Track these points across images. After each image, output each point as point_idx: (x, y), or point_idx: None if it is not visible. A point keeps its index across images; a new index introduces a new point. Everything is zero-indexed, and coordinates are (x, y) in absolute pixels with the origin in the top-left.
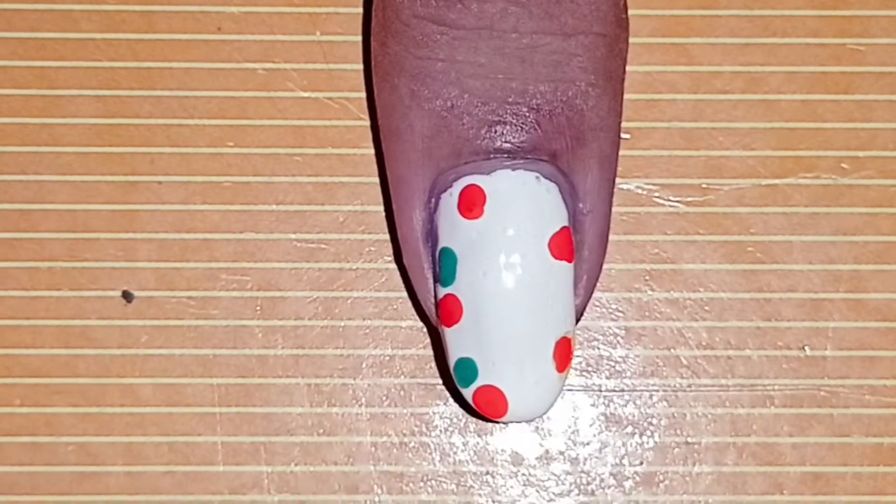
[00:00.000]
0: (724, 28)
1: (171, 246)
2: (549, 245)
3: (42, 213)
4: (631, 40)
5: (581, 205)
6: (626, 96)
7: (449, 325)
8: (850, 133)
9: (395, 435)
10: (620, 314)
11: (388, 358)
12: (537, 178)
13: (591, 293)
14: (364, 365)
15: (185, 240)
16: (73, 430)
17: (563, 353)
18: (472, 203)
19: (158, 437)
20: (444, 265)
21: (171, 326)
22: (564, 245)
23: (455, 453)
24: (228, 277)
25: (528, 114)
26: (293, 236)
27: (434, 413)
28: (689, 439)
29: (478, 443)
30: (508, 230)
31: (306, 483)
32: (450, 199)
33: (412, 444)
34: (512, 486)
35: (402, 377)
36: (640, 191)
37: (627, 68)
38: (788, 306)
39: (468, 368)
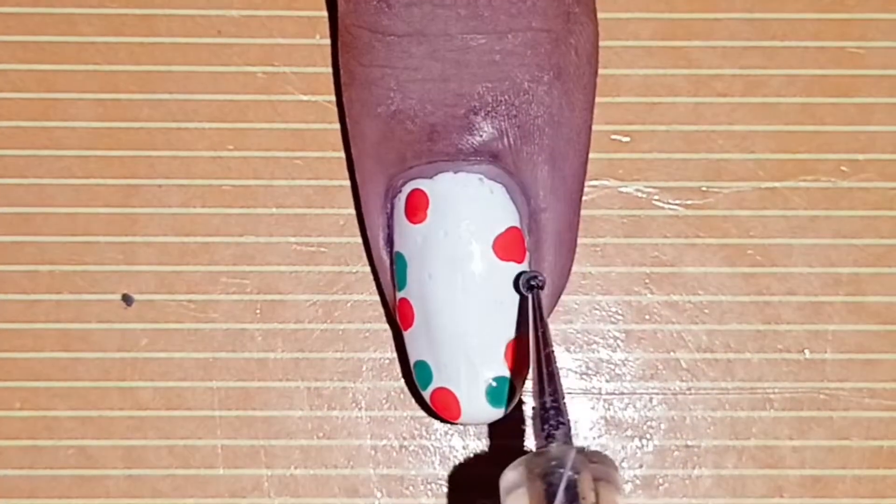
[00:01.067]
0: (723, 31)
1: (171, 249)
2: (494, 246)
3: (42, 217)
4: (631, 43)
5: (533, 203)
6: (625, 99)
7: (405, 329)
8: (849, 136)
9: (395, 438)
10: (620, 317)
11: (387, 361)
12: (480, 179)
13: (558, 295)
14: (364, 368)
15: (185, 243)
16: (73, 433)
17: (516, 355)
18: (416, 208)
19: (158, 440)
20: (398, 270)
21: (171, 330)
22: (512, 246)
23: (455, 456)
24: (228, 281)
25: (466, 115)
26: (293, 239)
27: (433, 416)
28: (689, 442)
29: (477, 446)
30: (451, 233)
31: (306, 486)
32: (399, 203)
33: (412, 447)
34: None
35: (402, 380)
36: (639, 194)
37: (626, 70)
38: (788, 309)
39: (424, 371)
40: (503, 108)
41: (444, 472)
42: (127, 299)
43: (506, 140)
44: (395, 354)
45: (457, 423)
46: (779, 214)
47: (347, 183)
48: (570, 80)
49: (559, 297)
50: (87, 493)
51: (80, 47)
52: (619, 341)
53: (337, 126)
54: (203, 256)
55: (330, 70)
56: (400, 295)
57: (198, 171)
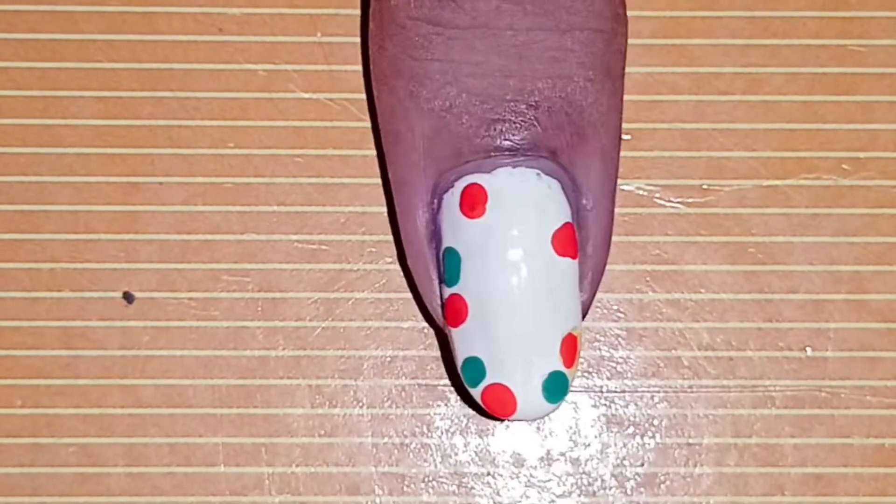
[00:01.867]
0: (725, 29)
1: (173, 247)
2: (553, 241)
3: (43, 215)
4: (632, 41)
5: (584, 201)
6: (627, 97)
7: (455, 326)
8: (851, 134)
9: (397, 436)
10: (622, 315)
11: (389, 359)
12: (538, 174)
13: (596, 290)
14: (365, 366)
15: (187, 241)
16: (75, 431)
17: (570, 350)
18: (474, 202)
19: (159, 438)
20: (449, 265)
21: (173, 327)
22: (568, 241)
23: (456, 454)
24: (229, 278)
25: (526, 111)
26: (294, 237)
27: (435, 414)
28: (691, 440)
29: (479, 444)
30: (510, 228)
31: (307, 484)
32: (452, 199)
33: (413, 445)
34: (513, 488)
35: (404, 378)
36: (641, 192)
37: (628, 69)
38: (790, 307)
39: (476, 368)
40: (563, 104)
41: (445, 470)
42: (128, 297)
43: (564, 137)
44: (396, 352)
45: (510, 420)
46: (780, 212)
47: (349, 180)
48: (617, 80)
49: (596, 292)
50: (88, 491)
51: (81, 45)
52: (620, 339)
53: (338, 124)
54: (204, 254)
55: (331, 68)
56: (451, 291)
57: (199, 168)
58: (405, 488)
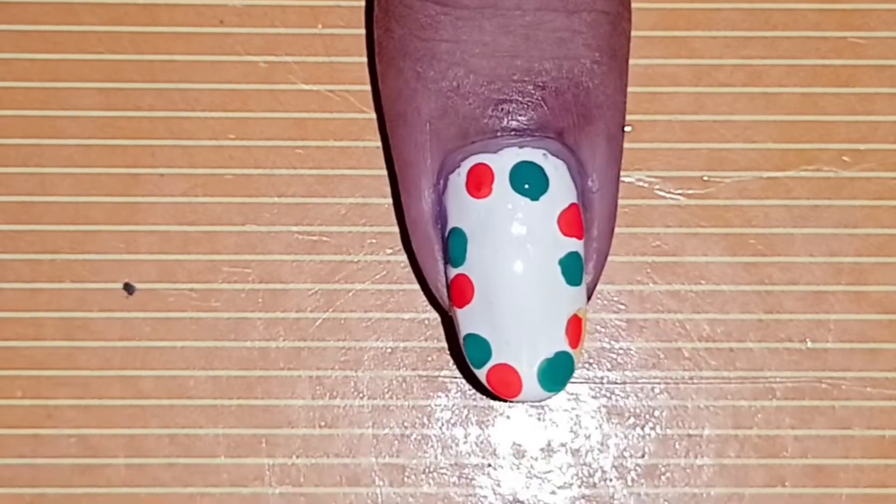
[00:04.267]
0: (725, 21)
1: (173, 238)
2: (559, 222)
3: (44, 206)
4: (633, 33)
5: (590, 182)
6: (628, 89)
7: (461, 306)
8: (851, 126)
9: (397, 427)
10: (622, 306)
11: (389, 350)
12: (545, 155)
13: (600, 273)
14: (366, 357)
15: (187, 232)
16: (75, 422)
17: (575, 331)
18: (480, 182)
19: (160, 429)
20: (454, 246)
21: (173, 319)
22: (574, 222)
23: (457, 445)
24: (230, 270)
25: (533, 91)
26: (295, 229)
27: (436, 405)
28: (691, 432)
29: (479, 435)
30: (517, 207)
31: (308, 475)
32: (458, 179)
33: (414, 436)
34: (514, 479)
35: (404, 369)
36: (641, 183)
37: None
38: (790, 299)
39: (481, 348)
40: (570, 85)
41: (446, 461)
42: (128, 288)
43: (570, 118)
44: (396, 343)
45: (514, 401)
46: (780, 204)
47: (350, 172)
48: (622, 62)
49: (601, 274)
50: (89, 482)
51: (82, 36)
52: (620, 330)
53: (339, 115)
54: (205, 245)
55: (332, 59)
56: (457, 271)
57: (199, 160)
58: (406, 479)
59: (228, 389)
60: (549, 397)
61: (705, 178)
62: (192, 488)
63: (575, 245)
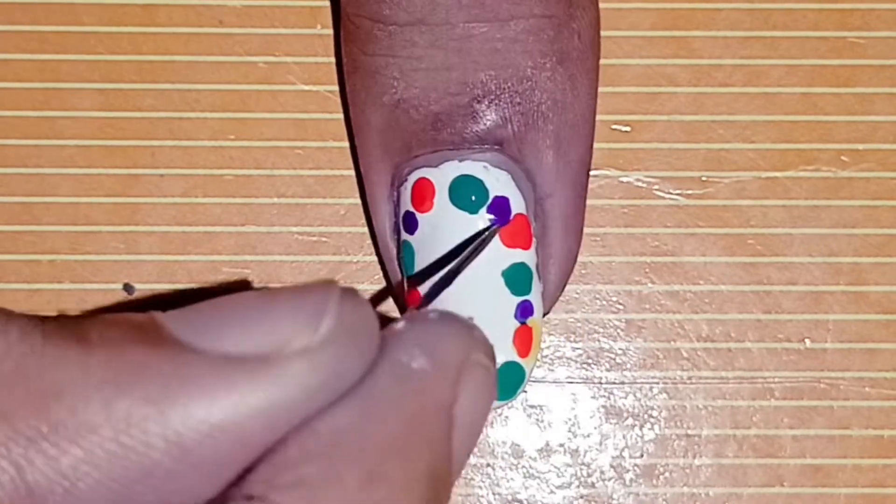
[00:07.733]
0: (724, 21)
1: (173, 239)
2: (501, 233)
3: (44, 206)
4: (631, 33)
5: (539, 190)
6: (626, 89)
7: None
8: (850, 126)
9: None
10: (621, 306)
11: None
12: (485, 167)
13: (566, 278)
14: None
15: (187, 232)
16: None
17: (525, 341)
18: (423, 197)
19: None
20: (406, 258)
21: None
22: (519, 232)
23: None
24: (230, 270)
25: (470, 103)
26: (294, 229)
27: None
28: (690, 431)
29: None
30: (455, 222)
31: None
32: (405, 193)
33: None
34: (512, 478)
35: None
36: (640, 183)
37: (627, 61)
38: (788, 299)
39: None
40: (506, 95)
41: None
42: (128, 289)
43: (510, 127)
44: None
45: None
46: (779, 204)
47: (348, 172)
48: (573, 65)
49: (566, 283)
50: None
51: (82, 37)
52: (619, 330)
53: (338, 116)
54: (205, 246)
55: (332, 60)
56: (410, 283)
57: (199, 160)
58: None
59: None
60: (503, 406)
61: (704, 179)
62: None
63: (521, 256)
